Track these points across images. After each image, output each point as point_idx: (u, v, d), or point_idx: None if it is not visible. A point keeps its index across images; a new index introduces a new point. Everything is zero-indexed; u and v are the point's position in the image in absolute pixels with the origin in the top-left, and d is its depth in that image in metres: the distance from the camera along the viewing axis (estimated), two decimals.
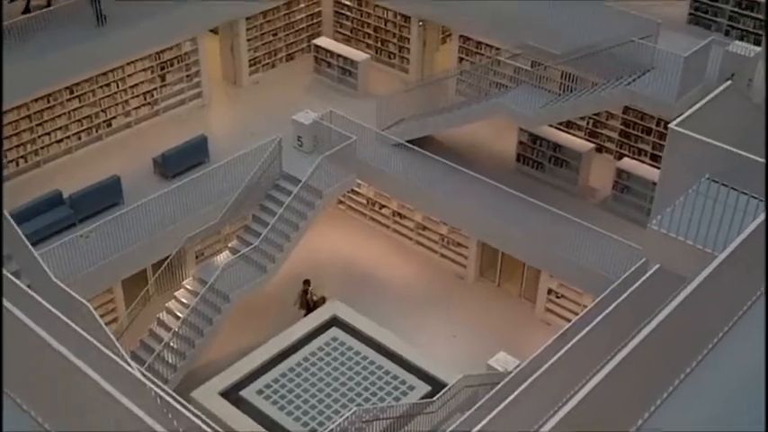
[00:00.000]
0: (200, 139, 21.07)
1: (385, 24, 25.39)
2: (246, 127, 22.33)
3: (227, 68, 25.01)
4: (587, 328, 12.57)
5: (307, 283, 20.09)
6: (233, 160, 19.69)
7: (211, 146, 21.17)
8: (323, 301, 20.00)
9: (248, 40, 24.62)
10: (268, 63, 25.55)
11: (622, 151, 21.78)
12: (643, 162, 21.01)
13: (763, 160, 9.46)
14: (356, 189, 22.88)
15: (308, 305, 20.00)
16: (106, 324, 14.51)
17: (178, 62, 23.06)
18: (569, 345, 12.47)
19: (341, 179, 20.38)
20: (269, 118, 22.49)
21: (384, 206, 23.15)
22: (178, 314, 18.73)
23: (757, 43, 19.92)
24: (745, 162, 9.48)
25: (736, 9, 20.73)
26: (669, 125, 9.95)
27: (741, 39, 20.25)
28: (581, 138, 22.23)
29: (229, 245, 20.20)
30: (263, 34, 25.10)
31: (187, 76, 23.41)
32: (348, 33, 26.27)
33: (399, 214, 22.91)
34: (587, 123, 22.34)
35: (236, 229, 20.56)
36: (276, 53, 25.65)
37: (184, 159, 20.69)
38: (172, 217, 18.88)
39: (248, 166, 19.82)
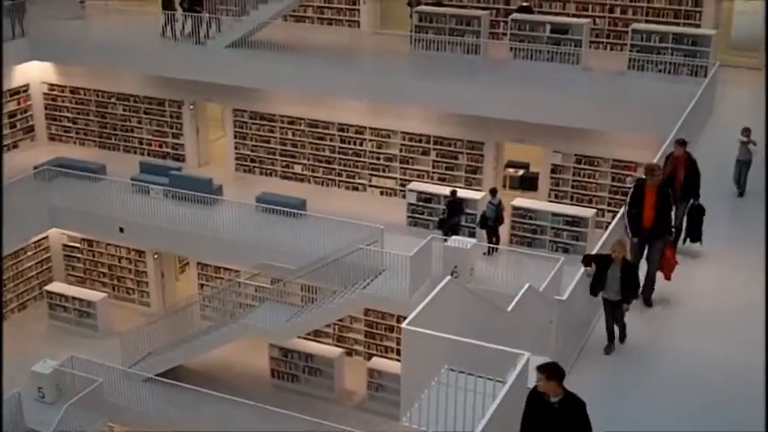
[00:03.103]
0: None
1: (119, 261, 25.20)
2: None
3: None
4: None
5: None
6: None
7: None
8: None
9: None
10: None
11: (371, 351, 22.67)
12: (392, 359, 21.89)
13: (492, 346, 10.28)
14: None
15: None
16: None
17: None
18: None
19: (91, 425, 19.43)
20: (4, 374, 21.08)
21: None
22: None
23: (472, 236, 21.81)
24: (476, 349, 10.22)
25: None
26: (401, 325, 10.57)
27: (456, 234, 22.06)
28: (330, 344, 22.89)
29: None
30: None
31: None
32: (81, 275, 25.74)
33: None
34: (334, 330, 23.11)
35: None
36: (6, 305, 24.46)
37: None
38: None
39: None
